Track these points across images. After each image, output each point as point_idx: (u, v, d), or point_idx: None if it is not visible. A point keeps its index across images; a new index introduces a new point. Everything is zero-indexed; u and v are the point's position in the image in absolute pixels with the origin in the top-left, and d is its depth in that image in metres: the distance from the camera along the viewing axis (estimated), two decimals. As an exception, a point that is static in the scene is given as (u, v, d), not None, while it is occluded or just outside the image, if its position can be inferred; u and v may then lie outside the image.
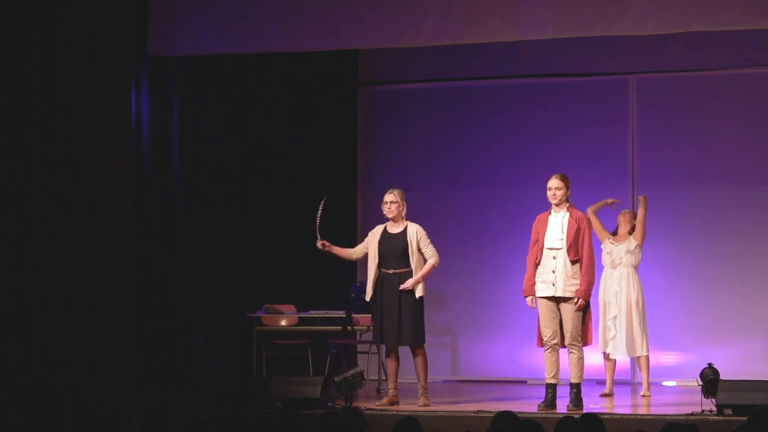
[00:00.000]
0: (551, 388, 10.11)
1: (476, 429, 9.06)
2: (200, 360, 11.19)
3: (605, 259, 11.41)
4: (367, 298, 10.60)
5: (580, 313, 10.09)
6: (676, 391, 12.15)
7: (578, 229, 10.10)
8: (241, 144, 13.20)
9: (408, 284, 10.43)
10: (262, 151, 13.30)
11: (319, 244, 10.68)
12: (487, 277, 13.13)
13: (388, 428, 6.94)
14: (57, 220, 11.19)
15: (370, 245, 10.62)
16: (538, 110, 13.21)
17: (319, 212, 10.67)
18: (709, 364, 9.95)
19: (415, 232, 10.53)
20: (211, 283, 12.59)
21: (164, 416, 7.09)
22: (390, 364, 10.61)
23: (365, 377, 10.70)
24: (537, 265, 10.18)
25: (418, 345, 10.53)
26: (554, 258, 10.10)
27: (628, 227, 11.47)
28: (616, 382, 11.50)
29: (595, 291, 10.34)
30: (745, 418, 7.11)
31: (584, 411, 9.76)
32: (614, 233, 11.52)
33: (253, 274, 13.13)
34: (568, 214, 10.17)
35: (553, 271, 10.09)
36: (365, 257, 10.69)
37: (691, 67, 12.87)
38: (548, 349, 10.11)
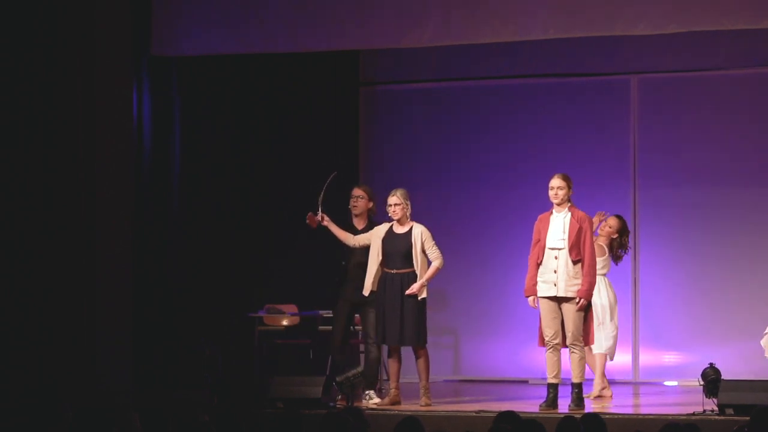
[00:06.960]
0: (552, 388, 10.10)
1: (478, 429, 9.04)
2: (201, 360, 11.17)
3: None
4: (366, 292, 10.60)
5: (582, 313, 10.07)
6: (678, 391, 12.14)
7: (580, 229, 10.08)
8: (242, 144, 13.17)
9: (414, 289, 10.41)
10: (263, 150, 13.28)
11: (318, 216, 10.66)
12: (488, 277, 13.11)
13: (389, 428, 6.93)
14: (57, 220, 11.16)
15: (373, 240, 10.60)
16: (539, 110, 13.17)
17: (325, 185, 10.65)
18: (711, 364, 9.94)
19: (420, 233, 10.51)
20: (212, 282, 12.57)
21: (164, 416, 7.08)
22: (392, 364, 10.61)
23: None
24: (538, 265, 10.16)
25: (420, 345, 10.52)
26: (556, 258, 10.08)
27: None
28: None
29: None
30: (747, 418, 7.10)
31: (586, 411, 9.75)
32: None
33: (254, 274, 13.11)
34: (569, 214, 10.15)
35: (555, 271, 10.07)
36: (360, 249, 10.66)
37: (693, 67, 12.84)
38: (550, 349, 10.10)
